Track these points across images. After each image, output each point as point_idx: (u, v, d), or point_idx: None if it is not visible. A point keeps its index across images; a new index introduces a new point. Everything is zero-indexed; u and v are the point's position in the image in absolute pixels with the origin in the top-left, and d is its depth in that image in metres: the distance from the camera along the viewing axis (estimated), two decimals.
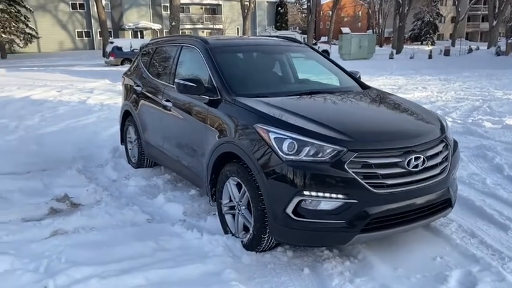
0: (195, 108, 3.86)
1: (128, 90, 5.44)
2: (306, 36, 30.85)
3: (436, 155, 3.17)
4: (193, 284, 2.73)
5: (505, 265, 2.99)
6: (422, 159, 3.01)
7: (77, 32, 42.00)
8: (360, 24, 76.31)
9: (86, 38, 42.47)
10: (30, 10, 35.11)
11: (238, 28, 43.44)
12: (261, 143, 3.03)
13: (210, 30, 47.32)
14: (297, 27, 48.72)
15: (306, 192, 2.82)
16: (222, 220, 3.52)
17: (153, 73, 4.95)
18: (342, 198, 2.82)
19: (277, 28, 47.13)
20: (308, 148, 2.87)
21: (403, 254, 3.17)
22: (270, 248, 3.22)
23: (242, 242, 3.28)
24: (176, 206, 4.06)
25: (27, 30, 34.29)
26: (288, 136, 2.94)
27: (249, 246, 3.20)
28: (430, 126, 3.38)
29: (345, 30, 65.62)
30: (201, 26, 47.62)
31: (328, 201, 2.83)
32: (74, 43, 41.91)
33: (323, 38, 54.86)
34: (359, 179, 2.81)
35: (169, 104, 4.26)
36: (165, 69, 4.75)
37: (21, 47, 34.13)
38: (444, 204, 3.28)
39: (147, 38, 37.25)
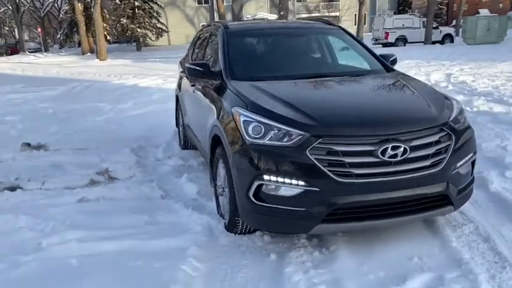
0: (206, 91, 4.00)
1: (179, 77, 5.83)
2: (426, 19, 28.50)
3: (427, 145, 2.84)
4: (154, 256, 2.89)
5: (497, 276, 2.57)
6: (402, 149, 2.72)
7: (201, 25, 45.07)
8: (501, 5, 67.42)
9: None
10: (161, 6, 38.64)
11: (355, 15, 41.93)
12: (233, 125, 3.05)
13: (326, 19, 46.60)
14: (416, 10, 44.93)
15: (266, 177, 2.77)
16: (217, 202, 3.62)
17: (191, 59, 5.22)
18: (303, 185, 2.71)
19: (400, 12, 44.32)
20: (273, 132, 2.82)
21: (380, 250, 2.93)
22: (249, 231, 3.23)
23: (224, 223, 3.35)
24: (193, 186, 4.26)
25: (159, 25, 37.96)
26: (254, 119, 2.91)
27: (228, 228, 3.26)
28: (424, 114, 3.03)
29: (483, 11, 58.66)
30: (317, 14, 47.10)
31: (288, 188, 2.75)
32: None
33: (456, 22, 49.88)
34: (321, 167, 2.66)
35: (193, 88, 4.48)
36: (197, 54, 4.99)
37: (153, 41, 37.92)
38: (440, 201, 2.92)
39: None
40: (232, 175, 3.00)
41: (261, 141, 2.82)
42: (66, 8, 39.32)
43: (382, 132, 2.77)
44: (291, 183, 2.73)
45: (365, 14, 35.46)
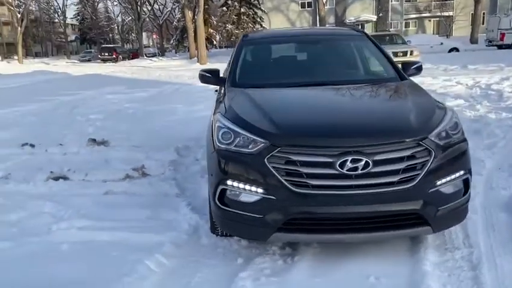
0: (216, 98, 4.16)
1: None
2: None
3: (396, 160, 2.66)
4: (133, 248, 3.11)
5: None
6: (364, 162, 2.59)
7: None
8: None
9: None
10: (265, 12, 39.77)
11: (471, 14, 38.40)
12: (211, 131, 3.17)
13: (437, 19, 43.51)
14: None
15: (229, 182, 2.84)
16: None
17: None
18: (261, 193, 2.74)
19: None
20: (239, 139, 2.87)
21: (342, 265, 2.83)
22: (228, 235, 3.27)
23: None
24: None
25: (261, 29, 39.12)
26: (225, 126, 3.00)
27: (211, 229, 3.37)
28: (398, 127, 2.84)
29: None
30: (427, 15, 44.21)
31: (248, 194, 2.80)
32: None
33: None
34: (278, 176, 2.66)
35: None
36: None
37: None
38: (413, 220, 2.72)
39: (367, 31, 37.10)
40: (208, 179, 3.12)
41: (228, 147, 2.90)
42: (179, 16, 42.58)
43: (343, 144, 2.67)
44: (250, 190, 2.77)
45: (483, 14, 32.33)
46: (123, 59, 41.43)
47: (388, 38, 16.17)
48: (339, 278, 2.67)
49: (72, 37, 74.74)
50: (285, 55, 4.38)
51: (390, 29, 31.72)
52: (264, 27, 39.38)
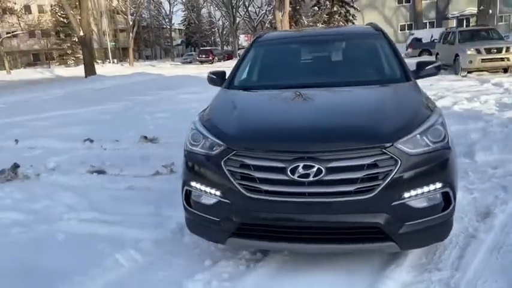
0: None
1: None
2: None
3: (354, 168, 2.45)
4: (117, 242, 3.26)
5: None
6: (316, 169, 2.42)
7: (400, 25, 42.87)
8: None
9: (408, 31, 42.91)
10: (358, 9, 38.52)
11: None
12: None
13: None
14: None
15: (192, 184, 2.87)
16: None
17: None
18: (218, 196, 2.72)
19: None
20: (205, 141, 2.88)
21: (297, 277, 2.70)
22: None
23: None
24: None
25: None
26: (196, 128, 3.03)
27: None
28: (362, 133, 2.60)
29: None
30: None
31: (207, 196, 2.79)
32: (396, 36, 43.05)
33: None
34: (232, 179, 2.62)
35: None
36: None
37: None
38: (374, 234, 2.49)
39: (471, 25, 33.95)
40: None
41: (194, 149, 2.91)
42: (271, 17, 43.23)
43: (296, 149, 2.54)
44: (209, 193, 2.76)
45: None
46: (219, 60, 43.28)
47: (482, 32, 14.62)
48: None
49: (179, 41, 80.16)
50: (287, 56, 4.23)
51: (499, 23, 28.58)
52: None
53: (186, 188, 2.90)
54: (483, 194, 3.86)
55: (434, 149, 2.61)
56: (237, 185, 2.59)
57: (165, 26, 68.07)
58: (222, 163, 2.66)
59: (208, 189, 2.75)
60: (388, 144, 2.49)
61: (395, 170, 2.46)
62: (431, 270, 2.72)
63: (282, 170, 2.50)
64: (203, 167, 2.80)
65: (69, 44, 51.67)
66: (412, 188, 2.51)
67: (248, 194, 2.56)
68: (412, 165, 2.51)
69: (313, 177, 2.45)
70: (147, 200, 4.24)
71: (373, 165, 2.47)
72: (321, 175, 2.44)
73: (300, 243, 2.58)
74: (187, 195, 2.92)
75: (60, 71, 38.13)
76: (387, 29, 42.94)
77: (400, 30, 43.52)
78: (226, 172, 2.63)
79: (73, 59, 51.52)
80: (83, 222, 3.72)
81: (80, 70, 26.29)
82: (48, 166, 5.60)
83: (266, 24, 46.10)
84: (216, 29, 72.94)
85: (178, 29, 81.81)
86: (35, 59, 57.77)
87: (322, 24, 37.17)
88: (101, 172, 5.31)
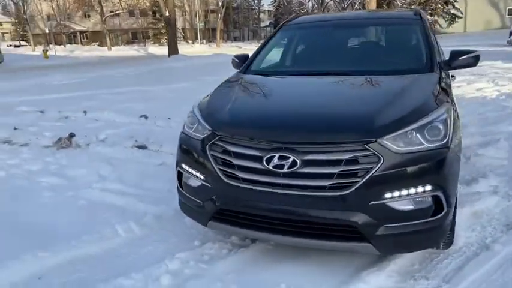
0: None
1: None
2: None
3: (331, 162, 2.33)
4: (124, 214, 3.46)
5: None
6: (291, 160, 2.34)
7: (508, 9, 38.59)
8: None
9: None
10: None
11: None
12: None
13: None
14: None
15: (183, 165, 2.92)
16: None
17: None
18: (201, 179, 2.75)
19: None
20: (197, 125, 2.91)
21: (272, 267, 2.67)
22: None
23: None
24: None
25: (453, 10, 35.20)
26: (193, 111, 3.06)
27: None
28: (343, 125, 2.47)
29: None
30: None
31: (193, 179, 2.83)
32: (503, 21, 38.90)
33: None
34: (214, 164, 2.63)
35: None
36: None
37: (444, 28, 35.59)
38: (349, 233, 2.37)
39: None
40: None
41: (188, 131, 2.96)
42: None
43: (274, 139, 2.47)
44: (195, 175, 2.79)
45: None
46: None
47: None
48: (251, 280, 2.53)
49: (267, 22, 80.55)
50: (309, 42, 4.06)
51: None
52: (457, 8, 35.27)
53: (178, 169, 2.97)
54: None
55: (428, 148, 2.38)
56: (217, 171, 2.59)
57: (254, 7, 68.68)
58: (207, 147, 2.67)
59: (194, 172, 2.79)
60: (370, 140, 2.32)
61: (376, 168, 2.29)
62: (418, 279, 2.52)
63: (258, 159, 2.45)
64: (192, 150, 2.83)
65: (163, 24, 54.53)
66: (396, 188, 2.31)
67: (226, 180, 2.55)
68: (397, 164, 2.31)
69: (287, 168, 2.37)
70: (171, 177, 4.39)
71: (352, 161, 2.32)
72: (296, 167, 2.36)
73: (274, 234, 2.52)
74: (180, 177, 2.98)
75: (153, 49, 40.60)
76: (492, 14, 39.22)
77: (508, 14, 39.29)
78: (210, 157, 2.64)
79: (166, 38, 54.40)
80: (105, 192, 3.98)
81: None
82: (99, 137, 6.04)
83: (356, 6, 44.38)
84: (305, 10, 71.99)
85: (268, 11, 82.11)
86: (133, 37, 61.86)
87: (418, 5, 34.92)
88: (142, 147, 5.60)
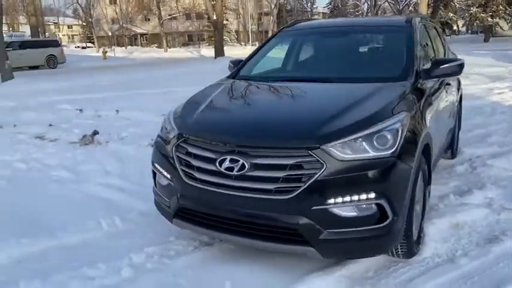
0: None
1: None
2: None
3: (276, 167, 2.42)
4: (115, 209, 3.66)
5: None
6: (240, 163, 2.45)
7: None
8: None
9: None
10: None
11: None
12: None
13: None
14: None
15: (156, 165, 3.09)
16: None
17: None
18: (168, 178, 2.90)
19: None
20: (169, 127, 3.06)
21: (224, 266, 2.78)
22: None
23: None
24: None
25: None
26: (168, 114, 3.22)
27: None
28: (290, 131, 2.54)
29: None
30: None
31: (163, 178, 2.98)
32: None
33: None
34: (178, 165, 2.78)
35: None
36: None
37: (504, 30, 33.64)
38: (292, 236, 2.43)
39: None
40: None
41: (161, 133, 3.13)
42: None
43: (227, 142, 2.59)
44: (164, 175, 2.95)
45: None
46: None
47: None
48: (202, 276, 2.66)
49: None
50: (299, 48, 4.16)
51: None
52: None
53: (152, 168, 3.14)
54: None
55: (373, 156, 2.39)
56: (180, 171, 2.73)
57: (307, 10, 68.35)
58: (174, 148, 2.82)
59: (163, 171, 2.93)
60: (314, 147, 2.36)
61: (319, 174, 2.33)
62: (365, 285, 2.51)
63: (213, 161, 2.57)
64: (163, 151, 2.98)
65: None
66: (338, 194, 2.34)
67: (186, 180, 2.68)
68: (340, 170, 2.34)
69: (237, 171, 2.46)
70: None
71: (297, 166, 2.38)
72: (245, 170, 2.44)
73: (226, 234, 2.63)
74: (154, 176, 3.15)
75: (205, 51, 41.53)
76: None
77: None
78: (175, 157, 2.78)
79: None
80: (104, 187, 4.24)
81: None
82: (121, 135, 6.39)
83: (410, 8, 42.95)
84: (359, 12, 70.60)
85: (322, 13, 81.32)
86: (189, 39, 63.71)
87: (478, 7, 33.29)
88: None
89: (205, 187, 2.60)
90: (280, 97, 3.24)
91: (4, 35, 17.01)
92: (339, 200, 2.34)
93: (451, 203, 3.64)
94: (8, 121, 7.67)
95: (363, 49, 3.85)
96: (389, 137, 2.43)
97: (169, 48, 51.84)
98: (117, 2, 60.23)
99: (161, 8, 50.88)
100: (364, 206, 2.37)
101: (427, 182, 3.08)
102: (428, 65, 3.34)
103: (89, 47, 63.33)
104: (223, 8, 63.07)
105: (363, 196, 2.34)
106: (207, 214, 2.68)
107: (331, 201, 2.34)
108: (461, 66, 3.26)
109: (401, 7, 47.83)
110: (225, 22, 57.75)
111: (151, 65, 24.88)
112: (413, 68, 3.20)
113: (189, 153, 2.72)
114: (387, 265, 2.75)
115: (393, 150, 2.41)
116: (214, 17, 22.34)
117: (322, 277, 2.56)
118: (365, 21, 5.06)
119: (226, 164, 2.49)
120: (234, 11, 62.48)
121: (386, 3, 48.35)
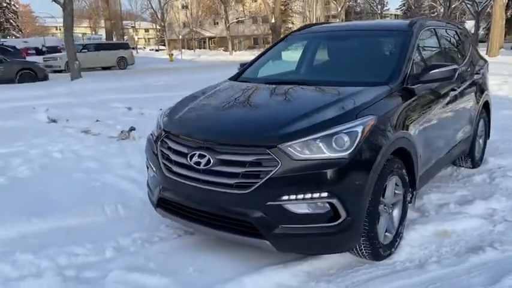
0: None
1: None
2: None
3: (236, 163, 2.57)
4: (120, 195, 4.00)
5: None
6: (207, 159, 2.64)
7: None
8: None
9: None
10: None
11: None
12: None
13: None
14: None
15: (148, 159, 3.34)
16: None
17: None
18: (153, 171, 3.14)
19: None
20: (157, 124, 3.31)
21: (189, 253, 3.00)
22: None
23: None
24: None
25: None
26: (160, 114, 3.45)
27: None
28: (252, 131, 2.69)
29: None
30: None
31: (150, 170, 3.23)
32: None
33: None
34: (160, 158, 3.01)
35: None
36: None
37: None
38: (249, 229, 2.57)
39: None
40: None
41: (153, 131, 3.37)
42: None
43: (197, 138, 2.77)
44: (151, 167, 3.19)
45: None
46: None
47: None
48: (170, 260, 2.88)
49: None
50: (300, 51, 4.25)
51: None
52: None
53: (146, 163, 3.39)
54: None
55: (329, 157, 2.47)
56: (161, 164, 2.95)
57: (377, 12, 66.56)
58: (158, 143, 3.05)
59: (151, 164, 3.17)
60: (271, 145, 2.48)
61: (274, 171, 2.44)
62: (320, 281, 2.57)
63: (185, 156, 2.76)
64: (151, 146, 3.22)
65: (282, 30, 56.19)
66: (292, 192, 2.44)
67: (166, 173, 2.90)
68: (295, 169, 2.44)
69: (203, 165, 2.63)
70: None
71: (255, 164, 2.51)
72: (210, 165, 2.61)
73: (197, 224, 2.80)
74: (147, 169, 3.40)
75: None
76: None
77: None
78: (158, 151, 3.02)
79: None
80: (121, 178, 4.56)
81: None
82: None
83: (488, 10, 40.23)
84: (436, 14, 67.40)
85: (395, 15, 78.75)
86: (255, 42, 64.77)
87: None
88: None
89: (179, 180, 2.79)
90: (255, 98, 3.39)
91: (83, 38, 18.41)
92: (293, 197, 2.43)
93: (449, 211, 3.52)
94: (63, 116, 8.43)
95: (358, 53, 3.86)
96: (346, 139, 2.48)
97: (235, 51, 53.13)
98: (189, 6, 62.95)
99: (228, 12, 52.25)
100: (317, 204, 2.44)
101: (408, 186, 3.04)
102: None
103: (161, 49, 66.65)
104: (290, 11, 63.66)
105: (316, 194, 2.42)
106: (181, 205, 2.87)
107: (285, 197, 2.44)
108: (453, 71, 3.21)
109: (479, 8, 45.06)
110: (290, 25, 58.22)
111: (214, 66, 25.69)
112: (399, 73, 3.19)
113: (169, 148, 2.93)
114: (353, 265, 2.77)
115: (349, 152, 2.46)
116: (273, 20, 22.65)
117: (280, 270, 2.64)
118: (368, 24, 5.01)
119: (195, 158, 2.67)
120: (301, 14, 62.52)
121: (463, 5, 45.72)
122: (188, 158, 2.72)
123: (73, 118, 8.25)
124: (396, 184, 2.92)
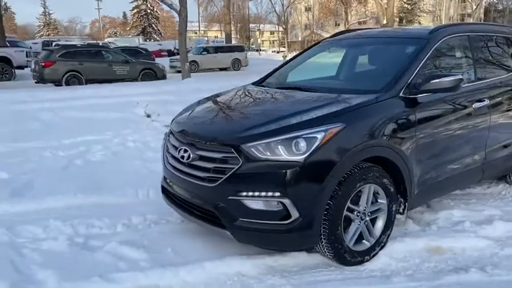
0: None
1: None
2: None
3: (208, 159, 2.88)
4: (151, 182, 4.45)
5: None
6: (188, 154, 2.98)
7: None
8: None
9: None
10: None
11: None
12: None
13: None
14: None
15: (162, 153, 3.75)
16: None
17: None
18: (163, 162, 3.53)
19: None
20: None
21: (178, 236, 3.32)
22: None
23: None
24: None
25: None
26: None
27: None
28: (223, 131, 2.97)
29: None
30: None
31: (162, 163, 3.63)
32: None
33: None
34: (164, 151, 3.44)
35: None
36: None
37: None
38: (214, 218, 2.86)
39: None
40: None
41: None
42: None
43: (186, 135, 3.13)
44: (162, 159, 3.59)
45: None
46: None
47: None
48: (157, 240, 3.24)
49: None
50: (322, 58, 4.25)
51: None
52: None
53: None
54: None
55: (285, 159, 2.61)
56: (163, 155, 3.38)
57: None
58: (167, 137, 3.47)
59: (162, 156, 3.59)
60: (236, 145, 2.70)
61: (236, 169, 2.67)
62: (277, 276, 2.71)
63: (176, 149, 3.13)
64: (164, 141, 3.63)
65: None
66: (249, 188, 2.65)
67: (165, 164, 3.31)
68: (253, 168, 2.65)
69: (186, 159, 2.96)
70: None
71: (223, 161, 2.76)
72: (191, 159, 2.93)
73: (180, 210, 3.15)
74: None
75: None
76: None
77: None
78: (164, 145, 3.44)
79: None
80: (148, 166, 5.12)
81: None
82: None
83: None
84: None
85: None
86: None
87: None
88: None
89: (172, 171, 3.17)
90: (245, 103, 3.61)
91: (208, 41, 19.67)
92: (250, 193, 2.64)
93: (461, 228, 3.27)
94: (157, 111, 9.41)
95: (369, 61, 3.81)
96: (302, 144, 2.59)
97: None
98: (311, 9, 63.46)
99: (349, 13, 51.34)
100: (271, 202, 2.61)
101: (396, 197, 2.95)
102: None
103: (281, 51, 68.38)
104: (418, 10, 59.78)
105: (270, 193, 2.59)
106: (172, 193, 3.24)
107: (244, 193, 2.65)
108: (457, 81, 3.02)
109: None
110: (416, 25, 54.66)
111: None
112: (396, 82, 3.11)
113: (170, 143, 3.32)
114: (318, 266, 2.81)
115: (305, 156, 2.56)
116: (384, 21, 21.74)
117: (243, 260, 2.82)
118: (393, 32, 4.73)
119: (181, 152, 3.02)
120: (432, 13, 58.50)
121: None
122: (177, 152, 3.06)
123: (165, 113, 9.14)
124: (377, 193, 2.87)
